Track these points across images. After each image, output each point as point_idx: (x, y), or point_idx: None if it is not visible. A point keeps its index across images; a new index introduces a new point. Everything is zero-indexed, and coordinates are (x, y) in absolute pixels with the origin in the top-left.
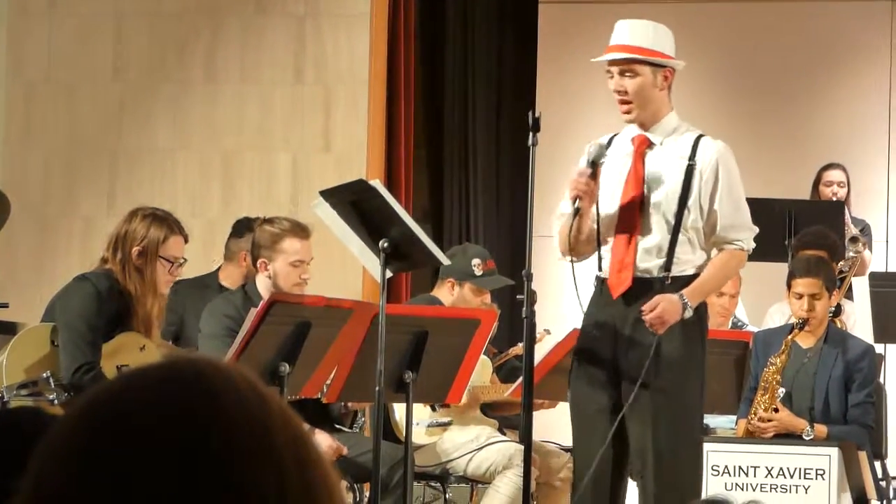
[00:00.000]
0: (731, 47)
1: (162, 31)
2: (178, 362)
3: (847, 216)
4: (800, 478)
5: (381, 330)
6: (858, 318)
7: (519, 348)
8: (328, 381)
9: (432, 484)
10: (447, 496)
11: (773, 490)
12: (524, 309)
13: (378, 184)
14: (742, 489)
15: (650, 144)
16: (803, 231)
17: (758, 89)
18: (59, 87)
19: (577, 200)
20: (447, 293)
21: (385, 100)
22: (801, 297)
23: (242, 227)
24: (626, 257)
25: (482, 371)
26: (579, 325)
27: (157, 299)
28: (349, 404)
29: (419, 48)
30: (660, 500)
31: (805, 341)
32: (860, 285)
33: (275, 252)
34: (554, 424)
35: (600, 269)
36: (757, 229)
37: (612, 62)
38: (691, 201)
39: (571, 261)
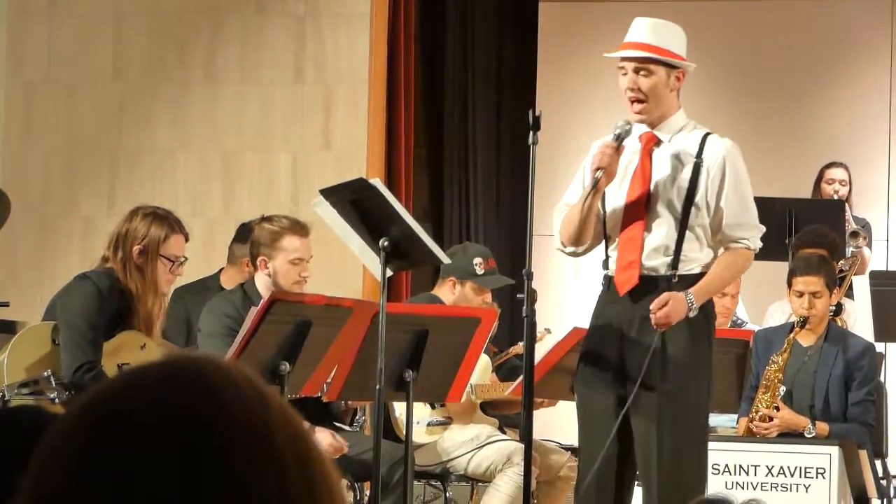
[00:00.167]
0: (732, 46)
1: (162, 31)
2: (178, 361)
3: (848, 215)
4: (800, 477)
5: (382, 329)
6: (859, 317)
7: (519, 347)
8: (328, 380)
9: (433, 483)
10: (447, 495)
11: (773, 489)
12: (524, 308)
13: (378, 182)
14: (742, 488)
15: (658, 142)
16: (804, 229)
17: (759, 88)
18: (59, 86)
19: (599, 172)
20: (448, 292)
21: (385, 99)
22: (801, 295)
23: (246, 232)
24: (632, 255)
25: (482, 370)
26: (580, 324)
27: (158, 298)
28: (349, 402)
29: (419, 47)
30: (664, 500)
31: (805, 340)
32: (860, 284)
33: (274, 250)
34: (554, 423)
35: (607, 267)
36: (764, 228)
37: (628, 59)
38: (698, 199)
39: (573, 252)
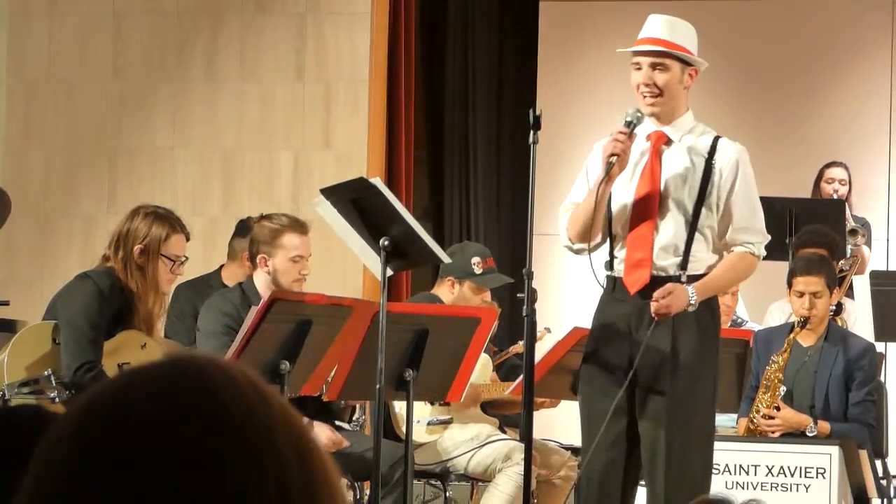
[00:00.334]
0: (732, 45)
1: (162, 30)
2: (179, 361)
3: (847, 214)
4: (800, 476)
5: (382, 328)
6: (859, 317)
7: (519, 346)
8: (328, 379)
9: (433, 482)
10: (447, 494)
11: (773, 489)
12: (525, 307)
13: (379, 182)
14: (743, 488)
15: (667, 141)
16: (804, 229)
17: (759, 87)
18: (59, 85)
19: (613, 158)
20: (447, 291)
21: (386, 98)
22: (802, 295)
23: (246, 228)
24: (642, 254)
25: (482, 369)
26: (580, 324)
27: (159, 297)
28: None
29: (420, 46)
30: (670, 501)
31: (805, 340)
32: (861, 284)
33: (274, 248)
34: (554, 423)
35: (612, 268)
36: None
37: (643, 54)
38: (709, 200)
39: (581, 250)
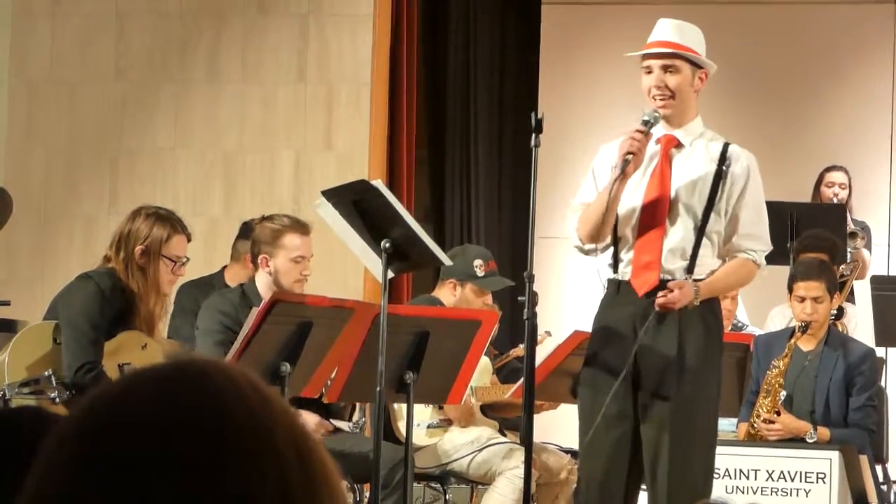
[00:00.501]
0: (733, 50)
1: (164, 31)
2: (180, 363)
3: (848, 219)
4: (801, 481)
5: (383, 330)
6: (860, 321)
7: (520, 349)
8: (329, 381)
9: (432, 485)
10: (447, 497)
11: (773, 493)
12: (525, 310)
13: (380, 184)
14: (743, 492)
15: (677, 144)
16: (805, 234)
17: (760, 92)
18: (61, 86)
19: (629, 156)
20: (448, 294)
21: (387, 100)
22: (802, 300)
23: (249, 230)
24: (650, 256)
25: (483, 372)
26: (581, 327)
27: (160, 298)
28: None
29: (422, 48)
30: (670, 503)
31: (806, 344)
32: (861, 288)
33: (276, 248)
34: (554, 426)
35: (616, 271)
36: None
37: (654, 56)
38: (718, 205)
39: (591, 251)
